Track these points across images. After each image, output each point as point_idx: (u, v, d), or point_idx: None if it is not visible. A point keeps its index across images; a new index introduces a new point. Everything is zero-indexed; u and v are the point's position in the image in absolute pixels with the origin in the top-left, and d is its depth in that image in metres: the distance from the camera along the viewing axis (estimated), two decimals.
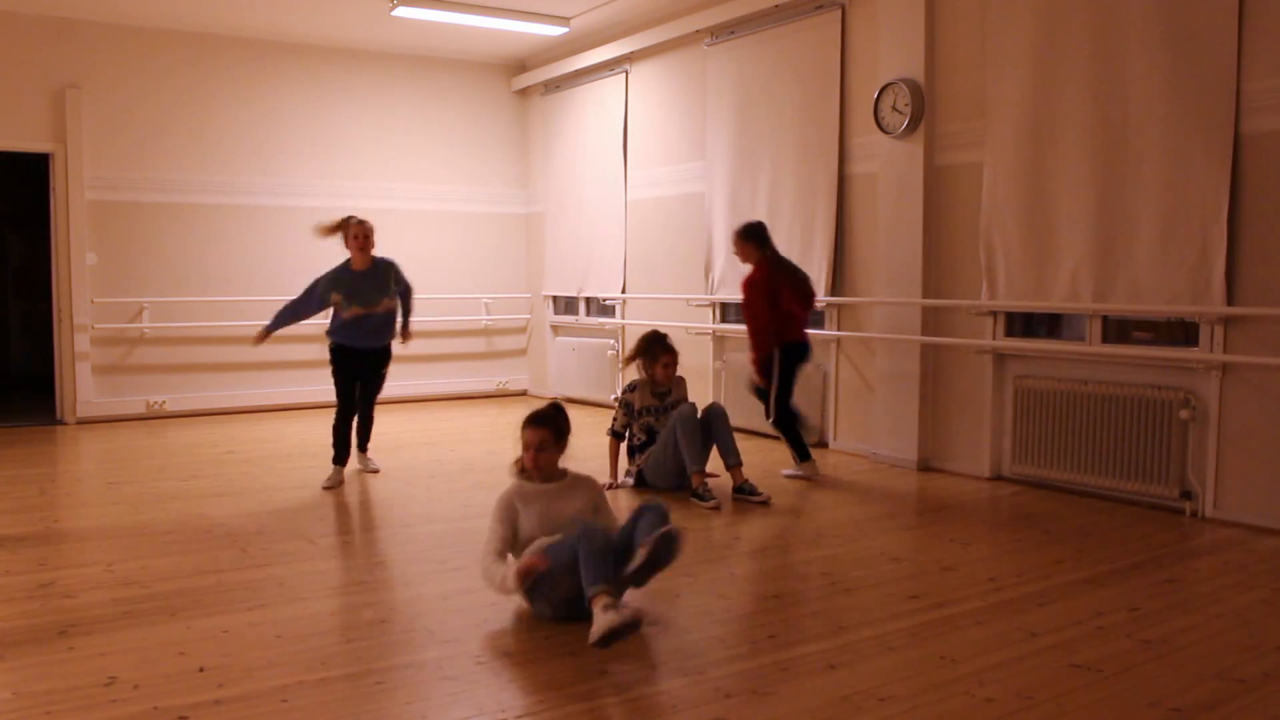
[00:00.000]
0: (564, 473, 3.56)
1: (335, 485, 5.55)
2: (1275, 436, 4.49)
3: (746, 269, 7.44)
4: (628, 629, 2.94)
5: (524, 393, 10.09)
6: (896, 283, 6.06)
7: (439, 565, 4.07)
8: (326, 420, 5.97)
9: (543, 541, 3.30)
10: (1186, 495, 4.79)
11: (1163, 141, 4.76)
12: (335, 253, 5.80)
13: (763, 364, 5.72)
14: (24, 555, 4.19)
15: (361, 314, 5.59)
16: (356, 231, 5.65)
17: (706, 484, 5.12)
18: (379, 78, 9.28)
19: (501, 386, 9.98)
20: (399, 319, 5.87)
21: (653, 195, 8.31)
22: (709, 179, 7.59)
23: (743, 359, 7.34)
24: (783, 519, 4.80)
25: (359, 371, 5.73)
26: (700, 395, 7.76)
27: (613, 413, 5.69)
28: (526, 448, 3.45)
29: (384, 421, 6.24)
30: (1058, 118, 5.22)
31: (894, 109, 5.98)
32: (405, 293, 5.90)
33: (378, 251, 5.77)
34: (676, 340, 7.76)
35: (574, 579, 3.10)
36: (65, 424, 8.07)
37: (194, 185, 8.51)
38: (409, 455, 6.53)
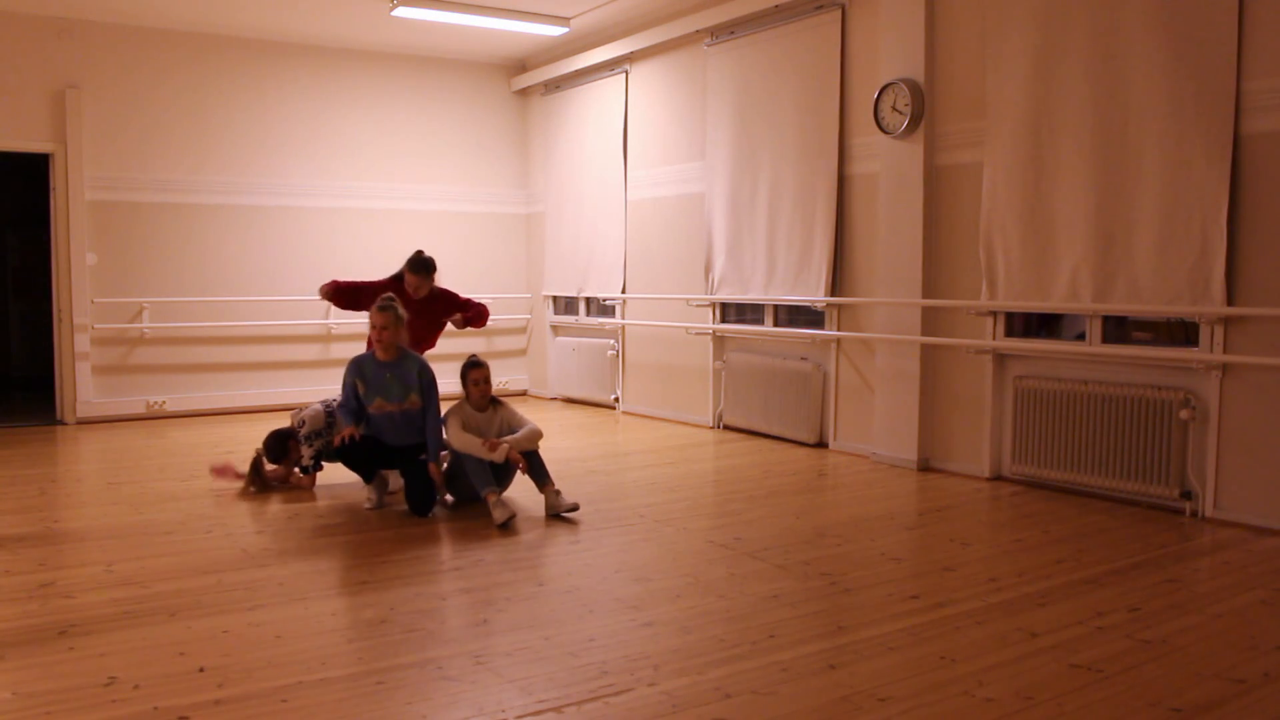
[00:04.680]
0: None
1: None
2: (1275, 436, 4.49)
3: (747, 269, 7.45)
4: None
5: (524, 393, 10.09)
6: (896, 283, 6.06)
7: (439, 565, 4.07)
8: None
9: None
10: (1186, 495, 4.79)
11: (1163, 141, 4.76)
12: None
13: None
14: (24, 555, 4.20)
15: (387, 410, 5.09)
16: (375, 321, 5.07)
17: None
18: (379, 78, 9.28)
19: (502, 386, 9.97)
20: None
21: (653, 195, 8.31)
22: (709, 179, 7.59)
23: (743, 359, 7.35)
24: (783, 519, 4.80)
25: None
26: (701, 395, 7.77)
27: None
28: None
29: None
30: (1058, 118, 5.22)
31: (894, 109, 5.98)
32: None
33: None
34: (676, 339, 7.79)
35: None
36: (65, 424, 8.07)
37: (194, 185, 8.51)
38: None
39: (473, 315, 5.88)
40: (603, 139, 8.82)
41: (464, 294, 6.15)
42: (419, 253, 5.81)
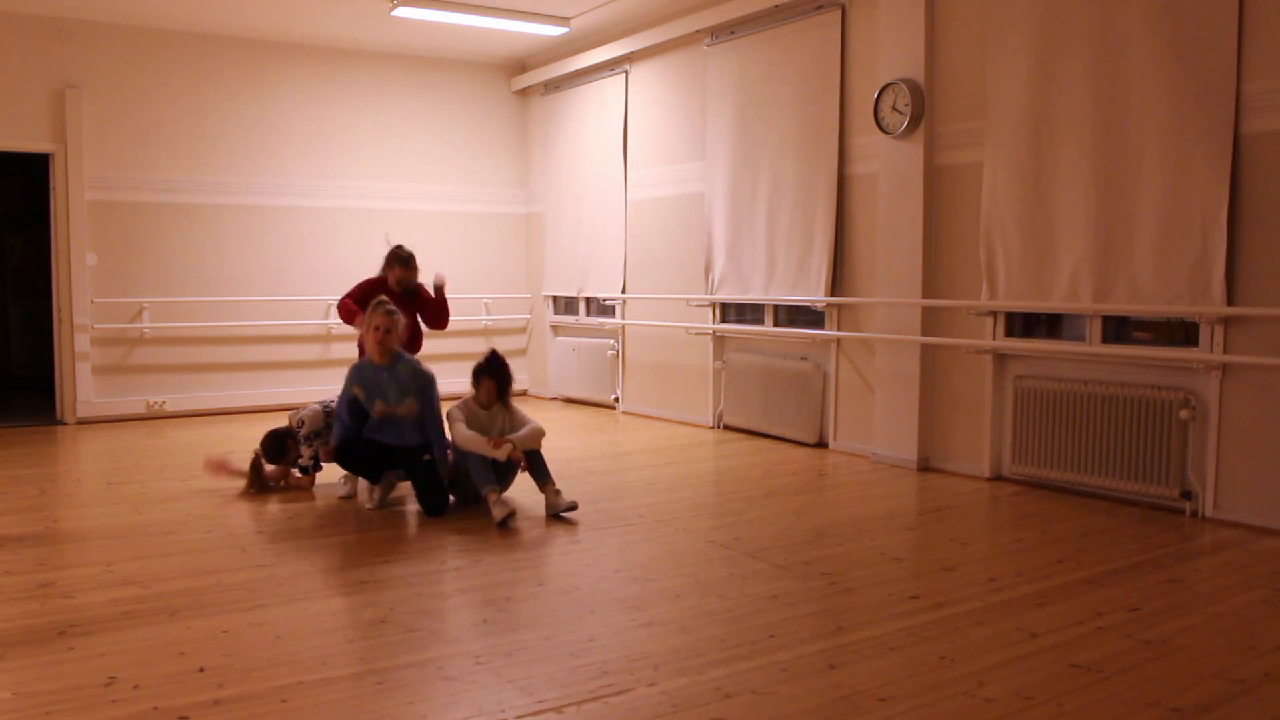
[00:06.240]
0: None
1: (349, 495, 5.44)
2: (1275, 436, 4.49)
3: (747, 269, 7.45)
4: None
5: (524, 393, 10.08)
6: (896, 283, 6.06)
7: (439, 565, 4.07)
8: None
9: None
10: (1186, 495, 4.79)
11: (1163, 141, 4.76)
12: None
13: None
14: (24, 555, 4.20)
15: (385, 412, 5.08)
16: (379, 323, 5.03)
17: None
18: (379, 78, 9.28)
19: None
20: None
21: (653, 195, 8.31)
22: (709, 179, 7.59)
23: (743, 359, 7.35)
24: (783, 519, 4.80)
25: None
26: (701, 395, 7.77)
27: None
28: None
29: None
30: (1058, 118, 5.22)
31: (894, 109, 5.97)
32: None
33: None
34: (677, 340, 7.77)
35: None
36: (65, 424, 8.07)
37: (194, 185, 8.51)
38: None
39: (430, 315, 5.96)
40: (602, 139, 8.82)
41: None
42: (399, 246, 5.91)
